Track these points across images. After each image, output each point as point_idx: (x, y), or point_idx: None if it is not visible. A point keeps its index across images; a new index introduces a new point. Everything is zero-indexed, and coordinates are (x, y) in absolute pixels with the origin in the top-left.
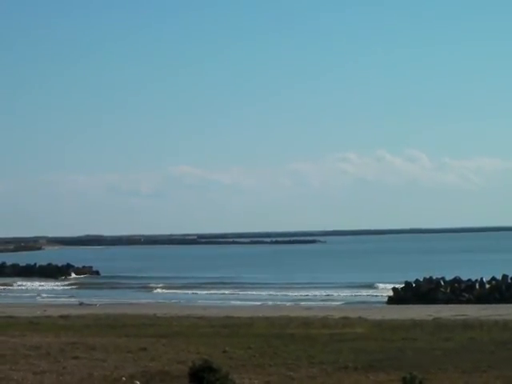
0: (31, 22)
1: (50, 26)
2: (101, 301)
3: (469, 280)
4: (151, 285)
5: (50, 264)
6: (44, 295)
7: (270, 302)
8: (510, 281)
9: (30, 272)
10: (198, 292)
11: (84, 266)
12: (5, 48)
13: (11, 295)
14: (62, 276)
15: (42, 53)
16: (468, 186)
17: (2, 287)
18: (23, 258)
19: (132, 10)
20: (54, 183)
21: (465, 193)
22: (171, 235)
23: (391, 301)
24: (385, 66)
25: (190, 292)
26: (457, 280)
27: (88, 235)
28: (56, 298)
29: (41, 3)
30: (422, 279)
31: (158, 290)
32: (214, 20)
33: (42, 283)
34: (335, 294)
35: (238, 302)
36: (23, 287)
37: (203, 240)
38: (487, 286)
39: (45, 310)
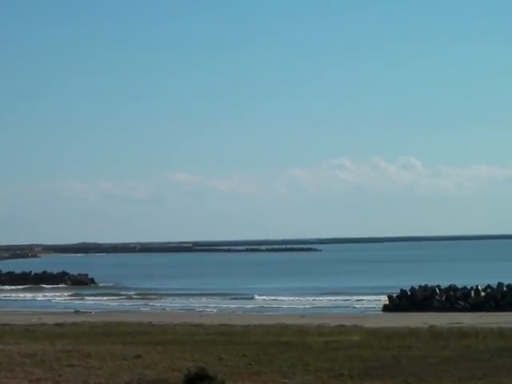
0: (27, 28)
1: (46, 31)
2: (96, 308)
3: (464, 288)
4: None
5: (45, 272)
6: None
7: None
8: (505, 289)
9: (24, 280)
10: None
11: (79, 274)
12: (2, 54)
13: None
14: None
15: (40, 60)
16: (464, 194)
17: None
18: (18, 266)
19: (128, 17)
20: (50, 190)
21: (460, 200)
22: (167, 243)
23: (387, 309)
24: (380, 72)
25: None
26: (452, 288)
27: (84, 243)
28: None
29: (40, 5)
30: (417, 287)
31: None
32: (211, 26)
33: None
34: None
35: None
36: None
37: (198, 248)
38: (482, 293)
39: (40, 318)
